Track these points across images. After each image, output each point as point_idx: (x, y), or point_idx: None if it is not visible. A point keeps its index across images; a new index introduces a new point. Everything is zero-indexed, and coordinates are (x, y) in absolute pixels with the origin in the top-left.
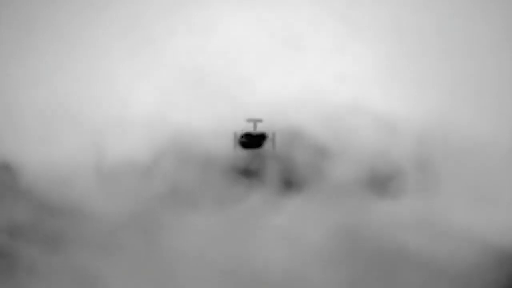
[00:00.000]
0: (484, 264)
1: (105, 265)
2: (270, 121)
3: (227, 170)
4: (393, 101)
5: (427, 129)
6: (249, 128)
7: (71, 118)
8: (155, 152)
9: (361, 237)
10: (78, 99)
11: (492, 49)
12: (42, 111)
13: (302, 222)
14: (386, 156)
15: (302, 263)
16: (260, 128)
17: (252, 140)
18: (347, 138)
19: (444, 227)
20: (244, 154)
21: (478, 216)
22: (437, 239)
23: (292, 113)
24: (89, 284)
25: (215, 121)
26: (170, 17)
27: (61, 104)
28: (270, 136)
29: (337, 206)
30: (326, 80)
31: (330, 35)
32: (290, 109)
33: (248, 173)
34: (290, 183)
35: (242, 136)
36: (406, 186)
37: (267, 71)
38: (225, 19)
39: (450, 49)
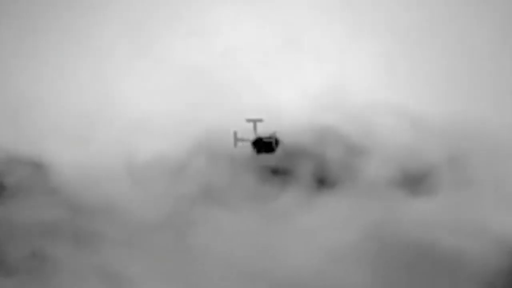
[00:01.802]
0: None
1: (136, 263)
2: (271, 121)
3: (259, 169)
4: (422, 99)
5: (458, 127)
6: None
7: (101, 119)
8: (186, 151)
9: (393, 236)
10: (107, 100)
11: None
12: (73, 112)
13: (335, 220)
14: (418, 154)
15: (334, 261)
16: (260, 128)
17: (264, 147)
18: (378, 137)
19: (476, 226)
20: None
21: (508, 214)
22: (469, 238)
23: (321, 112)
24: (119, 282)
25: (239, 120)
26: (173, 19)
27: (92, 105)
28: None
29: (370, 205)
30: (349, 78)
31: (346, 32)
32: (318, 108)
33: (280, 172)
34: (322, 181)
35: (255, 142)
36: (438, 184)
37: (282, 71)
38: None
39: (474, 47)
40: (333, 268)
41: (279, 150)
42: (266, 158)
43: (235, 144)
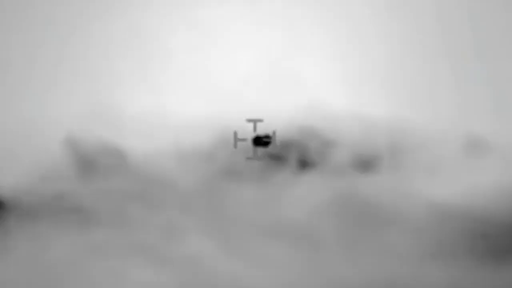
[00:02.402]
0: (436, 218)
1: (186, 219)
2: (270, 121)
3: (263, 156)
4: (370, 106)
5: (396, 125)
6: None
7: (159, 118)
8: (214, 143)
9: (352, 200)
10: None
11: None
12: (141, 112)
13: (313, 190)
14: (368, 145)
15: (312, 218)
16: (260, 128)
17: (261, 142)
18: (342, 134)
19: (407, 193)
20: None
21: (431, 185)
22: (402, 201)
23: (303, 116)
24: (175, 230)
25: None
26: (173, 17)
27: (154, 109)
28: (271, 135)
29: (336, 180)
30: (323, 92)
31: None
32: (301, 113)
33: (277, 158)
34: (305, 164)
35: (254, 139)
36: (381, 166)
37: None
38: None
39: (411, 67)
40: (312, 220)
41: (275, 144)
42: (270, 149)
43: (235, 145)
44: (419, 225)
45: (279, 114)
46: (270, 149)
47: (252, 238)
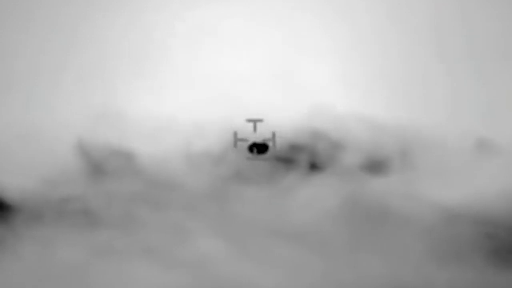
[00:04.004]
0: (445, 221)
1: (193, 221)
2: (274, 122)
3: (272, 158)
4: (380, 108)
5: (405, 127)
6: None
7: (166, 122)
8: (223, 146)
9: (361, 203)
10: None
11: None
12: (147, 114)
13: (322, 193)
14: (377, 147)
15: (321, 220)
16: (260, 128)
17: (258, 149)
18: (351, 136)
19: (418, 197)
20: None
21: (440, 188)
22: (412, 204)
23: (310, 118)
24: (183, 233)
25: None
26: (173, 17)
27: (160, 111)
28: (271, 136)
29: (346, 182)
30: (332, 93)
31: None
32: (307, 115)
33: (284, 160)
34: (313, 166)
35: (251, 146)
36: (391, 168)
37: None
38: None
39: (414, 72)
40: (321, 222)
41: (274, 145)
42: (278, 150)
43: (235, 145)
44: (428, 227)
45: (283, 115)
46: (270, 150)
47: (260, 241)
